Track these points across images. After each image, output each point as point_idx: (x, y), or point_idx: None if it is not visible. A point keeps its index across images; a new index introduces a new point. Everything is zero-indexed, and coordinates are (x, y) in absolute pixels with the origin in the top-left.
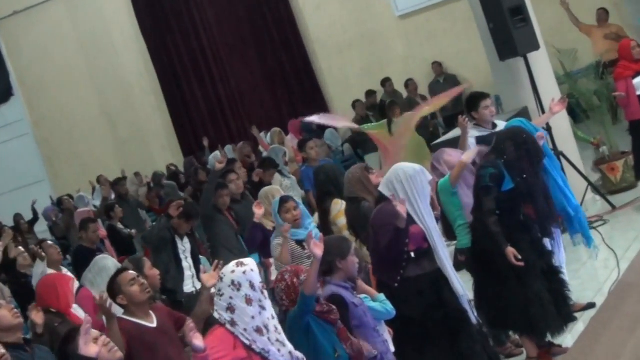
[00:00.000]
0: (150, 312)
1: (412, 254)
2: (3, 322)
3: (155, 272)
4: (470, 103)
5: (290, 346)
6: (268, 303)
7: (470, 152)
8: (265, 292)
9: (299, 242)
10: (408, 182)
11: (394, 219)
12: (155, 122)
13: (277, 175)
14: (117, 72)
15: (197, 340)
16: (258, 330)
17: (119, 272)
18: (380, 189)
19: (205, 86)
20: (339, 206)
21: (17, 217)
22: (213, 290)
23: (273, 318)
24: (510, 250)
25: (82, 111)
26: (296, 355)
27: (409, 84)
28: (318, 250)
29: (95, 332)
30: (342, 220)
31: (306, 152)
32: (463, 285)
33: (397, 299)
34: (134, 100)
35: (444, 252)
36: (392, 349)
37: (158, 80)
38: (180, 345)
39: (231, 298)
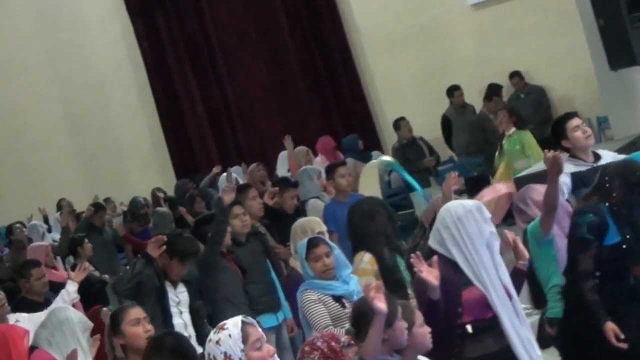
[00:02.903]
0: None
1: (469, 328)
2: None
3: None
4: (556, 130)
5: None
6: None
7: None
8: None
9: (337, 299)
10: (456, 226)
11: (425, 287)
12: (137, 130)
13: (317, 203)
14: (87, 61)
15: None
16: None
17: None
18: (429, 242)
19: (207, 86)
20: (358, 261)
21: None
22: None
23: None
24: (610, 327)
25: (37, 111)
26: None
27: (494, 98)
28: (382, 304)
29: None
30: (361, 282)
31: (334, 181)
32: None
33: None
34: (109, 99)
35: (515, 322)
36: None
37: (147, 74)
38: None
39: None
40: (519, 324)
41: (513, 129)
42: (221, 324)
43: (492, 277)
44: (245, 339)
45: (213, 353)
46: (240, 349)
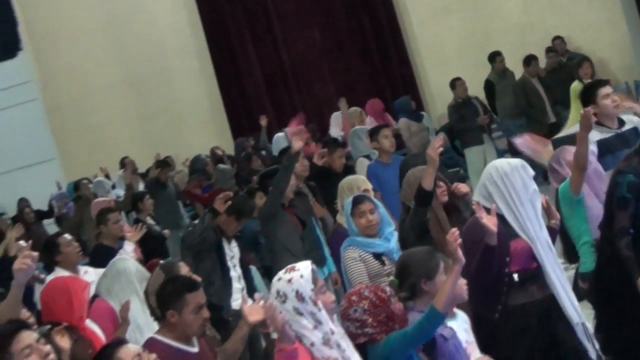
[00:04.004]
0: None
1: (516, 277)
2: None
3: None
4: (586, 95)
5: None
6: (324, 316)
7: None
8: (320, 304)
9: (377, 256)
10: (503, 181)
11: (482, 234)
12: (195, 91)
13: (363, 161)
14: (148, 25)
15: None
16: (326, 343)
17: (191, 287)
18: (474, 196)
19: (263, 49)
20: None
21: (23, 203)
22: None
23: (332, 334)
24: None
25: (103, 74)
26: None
27: (532, 62)
28: (460, 252)
29: (136, 348)
30: None
31: (378, 142)
32: (580, 312)
33: (498, 336)
34: (169, 62)
35: (557, 272)
36: None
37: (205, 37)
38: None
39: (281, 312)
40: (561, 274)
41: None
42: (290, 266)
43: (536, 229)
44: (314, 281)
45: (284, 290)
46: (311, 288)
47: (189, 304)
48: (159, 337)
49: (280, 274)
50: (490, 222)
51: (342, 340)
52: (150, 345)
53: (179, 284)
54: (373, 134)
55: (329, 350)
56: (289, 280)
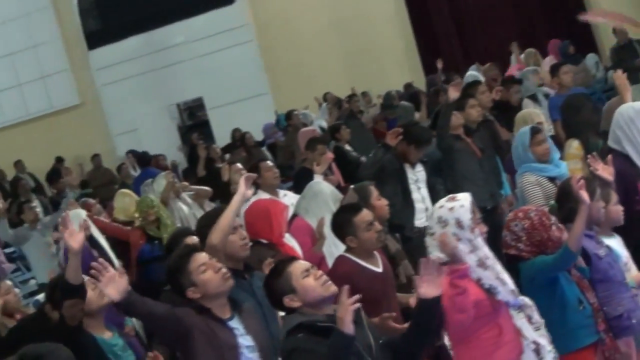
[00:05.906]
0: (375, 253)
1: None
2: (231, 249)
3: (383, 202)
4: None
5: (511, 285)
6: (479, 242)
7: None
8: (477, 231)
9: (551, 180)
10: (628, 125)
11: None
12: (391, 34)
13: (528, 102)
14: None
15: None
16: (481, 265)
17: (355, 210)
18: (609, 142)
19: None
20: (567, 147)
21: (236, 133)
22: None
23: (487, 258)
24: None
25: (309, 18)
26: (521, 298)
27: None
28: (586, 195)
29: (306, 264)
30: (570, 164)
31: (559, 78)
32: None
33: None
34: (369, 7)
35: None
36: None
37: None
38: (396, 297)
39: (455, 236)
40: None
41: None
42: (452, 195)
43: None
44: (473, 211)
45: (445, 217)
46: (469, 218)
47: (359, 225)
48: (349, 255)
49: (442, 201)
50: (605, 172)
51: (495, 265)
52: (341, 261)
53: (345, 212)
54: (553, 70)
55: (483, 272)
56: (451, 209)
